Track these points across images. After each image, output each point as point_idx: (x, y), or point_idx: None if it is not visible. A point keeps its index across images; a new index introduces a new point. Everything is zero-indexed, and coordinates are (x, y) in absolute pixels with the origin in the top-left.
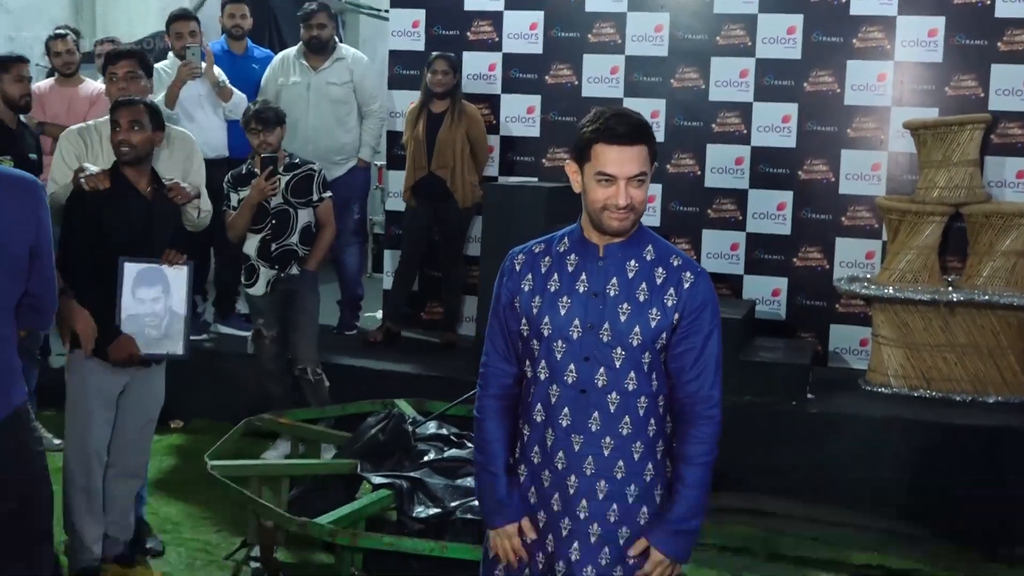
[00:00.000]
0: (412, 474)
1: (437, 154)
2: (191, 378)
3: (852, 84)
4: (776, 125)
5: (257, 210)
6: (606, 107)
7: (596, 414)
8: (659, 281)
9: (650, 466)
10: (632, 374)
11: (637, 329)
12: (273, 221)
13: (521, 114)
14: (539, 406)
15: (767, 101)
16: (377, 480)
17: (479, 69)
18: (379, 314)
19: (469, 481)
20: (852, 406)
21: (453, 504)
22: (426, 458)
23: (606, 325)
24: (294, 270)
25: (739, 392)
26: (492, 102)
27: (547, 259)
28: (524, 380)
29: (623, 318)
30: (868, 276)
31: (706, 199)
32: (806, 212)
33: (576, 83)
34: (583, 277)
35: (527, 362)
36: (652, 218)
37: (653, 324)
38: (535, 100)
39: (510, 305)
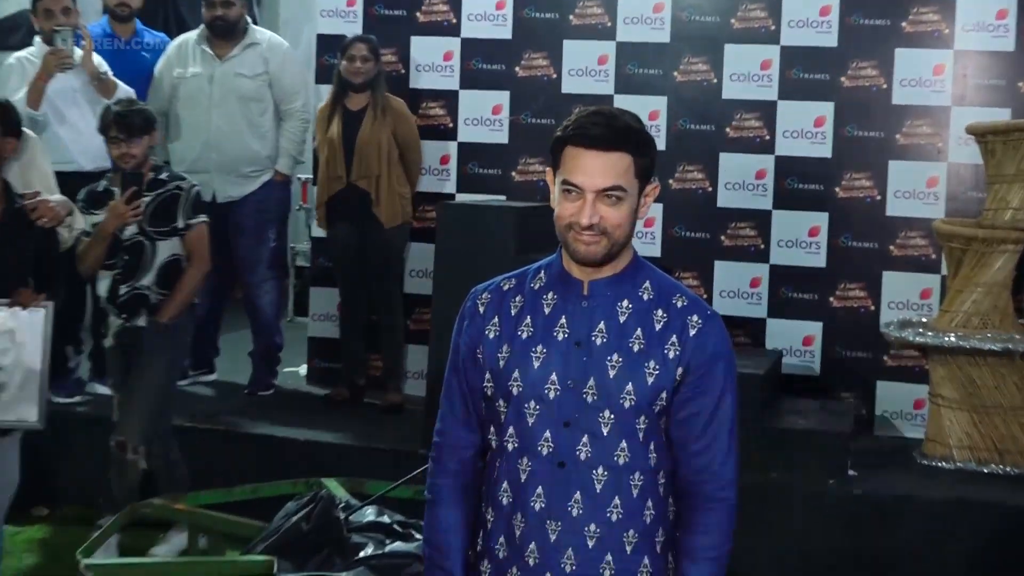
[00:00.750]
0: (344, 574)
1: (358, 161)
2: (59, 453)
3: (901, 78)
4: (807, 130)
5: (111, 241)
6: (599, 107)
7: (578, 495)
8: (659, 327)
9: (646, 561)
10: (624, 444)
11: (630, 387)
12: (125, 257)
13: (485, 115)
14: (506, 484)
15: (795, 99)
16: None
17: (431, 58)
18: (303, 369)
19: None
20: (905, 485)
21: None
22: (362, 553)
23: (591, 382)
24: (141, 320)
25: (761, 468)
26: (447, 100)
27: (518, 298)
28: (488, 452)
29: (612, 373)
30: (924, 320)
31: (719, 223)
32: (845, 239)
33: (554, 76)
34: (563, 321)
35: (492, 429)
36: (650, 246)
37: (650, 381)
38: (502, 97)
39: (471, 357)
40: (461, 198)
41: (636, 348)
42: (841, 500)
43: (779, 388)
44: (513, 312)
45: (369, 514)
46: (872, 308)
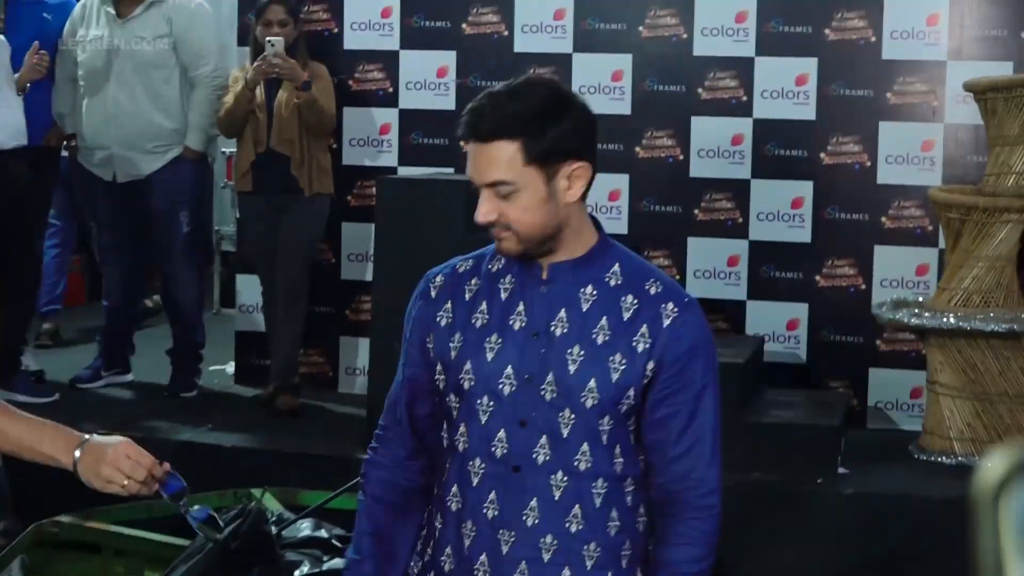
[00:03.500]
0: None
1: (277, 126)
2: None
3: (892, 30)
4: (788, 89)
5: None
6: (514, 80)
7: (534, 502)
8: (627, 315)
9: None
10: (585, 447)
11: (592, 384)
12: None
13: (429, 78)
14: (456, 488)
15: (774, 55)
16: None
17: (368, 16)
18: (230, 367)
19: None
20: (901, 483)
21: None
22: (297, 573)
23: (550, 377)
24: None
25: (743, 468)
26: (387, 62)
27: (474, 281)
28: (439, 453)
29: (572, 368)
30: (920, 299)
31: (692, 194)
32: (832, 211)
33: (506, 33)
34: (520, 308)
35: (444, 426)
36: (616, 222)
37: (615, 377)
38: (448, 58)
39: (420, 347)
40: (403, 172)
41: (600, 340)
42: (831, 500)
43: (761, 378)
44: (467, 297)
45: (304, 528)
46: (863, 287)
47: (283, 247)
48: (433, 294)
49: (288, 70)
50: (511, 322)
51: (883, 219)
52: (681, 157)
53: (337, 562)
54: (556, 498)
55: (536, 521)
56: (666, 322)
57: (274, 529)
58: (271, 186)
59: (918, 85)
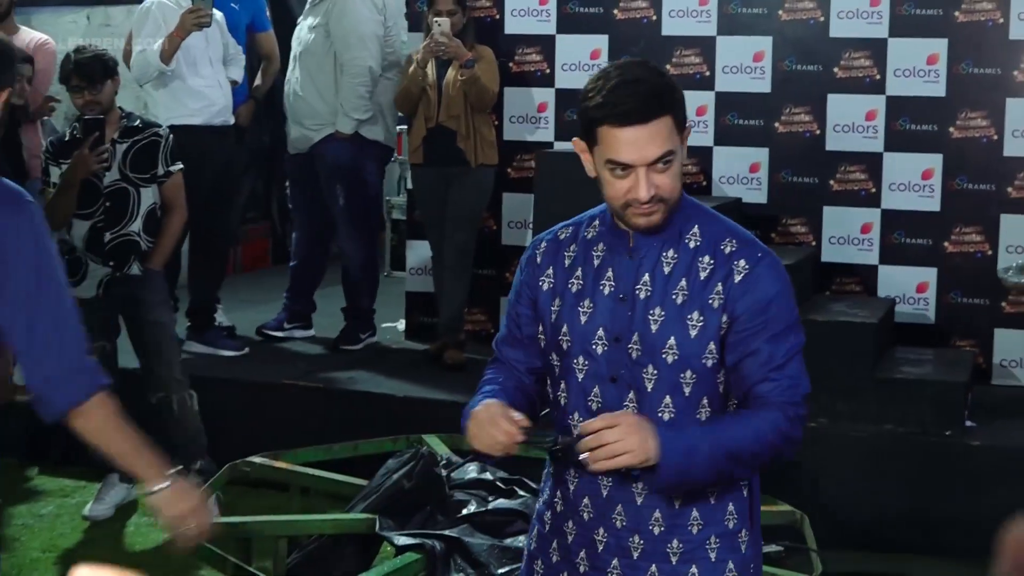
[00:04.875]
0: (447, 532)
1: (445, 104)
2: (146, 410)
3: (1020, 12)
4: (919, 68)
5: (85, 189)
6: (612, 64)
7: None
8: (703, 275)
9: (695, 513)
10: (668, 400)
11: (672, 341)
12: (107, 204)
13: (583, 60)
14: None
15: (906, 36)
16: (402, 541)
17: (526, 3)
18: (401, 324)
19: (521, 540)
20: None
21: (501, 571)
22: (465, 511)
23: (635, 337)
24: (135, 269)
25: (876, 420)
26: (544, 46)
27: (572, 247)
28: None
29: (654, 327)
30: None
31: (828, 166)
32: (960, 181)
33: (654, 18)
34: (609, 274)
35: (548, 381)
36: (756, 192)
37: (694, 334)
38: (601, 41)
39: (529, 305)
40: (559, 146)
41: (679, 300)
42: (959, 452)
43: (893, 337)
44: (566, 263)
45: (471, 471)
46: (989, 252)
47: (451, 214)
48: (539, 259)
49: (453, 48)
50: (602, 287)
51: (1008, 189)
52: (818, 132)
53: (501, 502)
54: None
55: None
56: (737, 278)
57: (444, 471)
58: (441, 158)
59: None
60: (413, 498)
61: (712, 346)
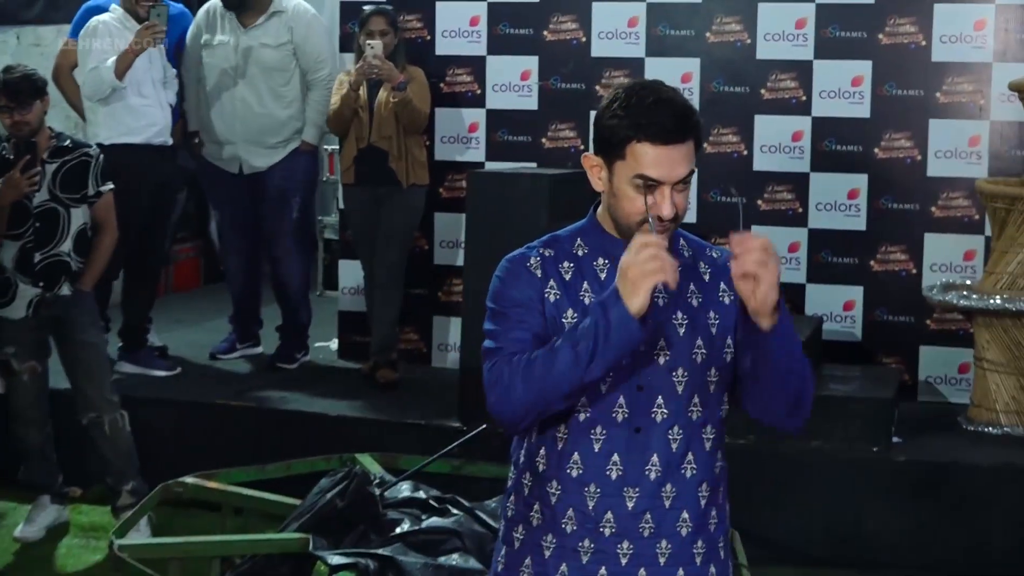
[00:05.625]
0: (381, 551)
1: (377, 124)
2: (78, 430)
3: (942, 34)
4: (844, 89)
5: (15, 210)
6: (635, 82)
7: (655, 457)
8: (707, 278)
9: (713, 513)
10: (696, 399)
11: (700, 342)
12: (37, 224)
13: (513, 80)
14: (576, 456)
15: (831, 58)
16: (335, 560)
17: (457, 24)
18: (334, 344)
19: (454, 559)
20: (950, 452)
21: None
22: (398, 530)
23: (661, 343)
24: (65, 289)
25: (804, 437)
26: (475, 66)
27: (567, 264)
28: (545, 432)
29: (681, 331)
30: (968, 282)
31: (755, 186)
32: (885, 201)
33: (584, 39)
34: None
35: None
36: (687, 212)
37: (715, 331)
38: (531, 62)
39: (534, 307)
40: (490, 166)
41: (695, 302)
42: (886, 468)
43: (820, 355)
44: (567, 278)
45: (404, 490)
46: (914, 271)
47: (382, 234)
48: (538, 272)
49: (386, 71)
50: None
51: (933, 209)
52: (745, 152)
53: (435, 521)
54: (674, 450)
55: (658, 474)
56: None
57: (377, 491)
58: (372, 178)
59: (965, 85)
60: (346, 517)
61: (729, 340)
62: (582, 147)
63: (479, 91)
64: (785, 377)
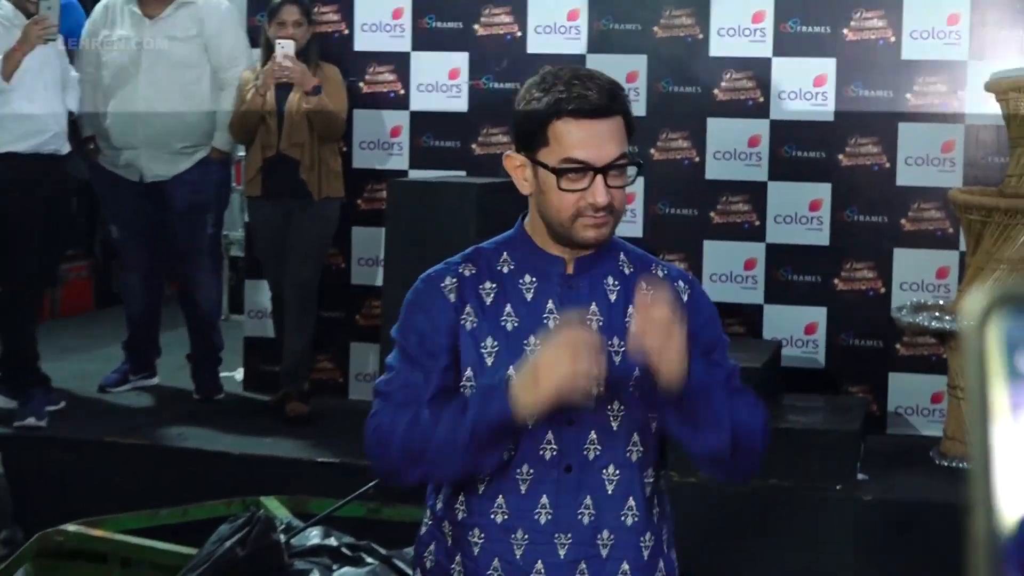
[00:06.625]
0: None
1: (287, 130)
2: None
3: (912, 30)
4: (805, 90)
5: None
6: (554, 68)
7: (588, 500)
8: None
9: (661, 565)
10: (636, 438)
11: (637, 372)
12: None
13: (441, 80)
14: (500, 500)
15: (792, 56)
16: None
17: (378, 17)
18: (239, 373)
19: None
20: (922, 489)
21: None
22: None
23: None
24: None
25: (760, 474)
26: (398, 64)
27: (488, 284)
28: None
29: (616, 359)
30: (941, 303)
31: (708, 197)
32: (850, 213)
33: (519, 34)
34: (550, 306)
35: None
36: (631, 225)
37: None
38: (461, 60)
39: (444, 348)
40: (414, 175)
41: (633, 327)
42: (850, 507)
43: (779, 383)
44: (488, 301)
45: (314, 536)
46: (882, 291)
47: (293, 252)
48: (452, 297)
49: (298, 74)
50: (545, 321)
51: (902, 221)
52: (697, 159)
53: (347, 571)
54: (609, 493)
55: (592, 519)
56: (684, 297)
57: (283, 537)
58: (281, 190)
59: (938, 86)
60: (248, 568)
61: None
62: None
63: (402, 91)
64: (706, 434)
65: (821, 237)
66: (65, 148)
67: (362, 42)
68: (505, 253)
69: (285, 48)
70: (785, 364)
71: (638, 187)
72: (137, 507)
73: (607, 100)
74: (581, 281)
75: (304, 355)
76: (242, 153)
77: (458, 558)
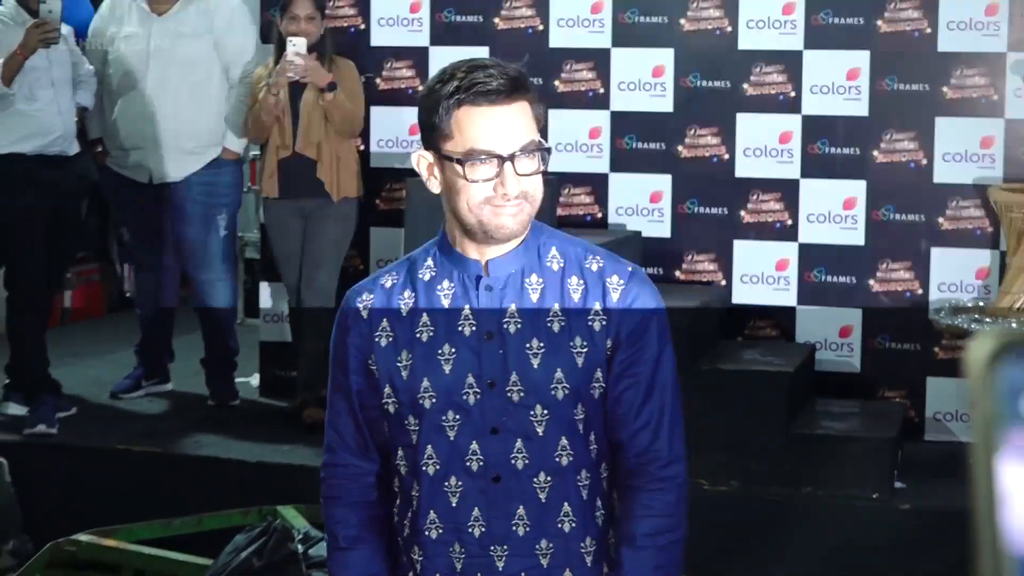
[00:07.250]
0: None
1: (303, 128)
2: None
3: (948, 21)
4: (838, 84)
5: None
6: (454, 63)
7: (522, 509)
8: (576, 297)
9: (605, 569)
10: (564, 442)
11: (559, 374)
12: None
13: None
14: (433, 515)
15: (824, 48)
16: None
17: (396, 11)
18: (254, 379)
19: None
20: (961, 498)
21: None
22: None
23: (513, 377)
24: None
25: (793, 482)
26: (416, 59)
27: (407, 294)
28: (396, 482)
29: (536, 363)
30: (980, 304)
31: (738, 195)
32: (887, 212)
33: (541, 28)
34: (467, 312)
35: (400, 453)
36: (658, 225)
37: (581, 362)
38: (481, 54)
39: (362, 371)
40: None
41: (556, 327)
42: (887, 516)
43: (812, 388)
44: (404, 312)
45: None
46: (919, 292)
47: (310, 253)
48: (365, 314)
49: (311, 71)
50: (460, 328)
51: (940, 220)
52: (726, 156)
53: None
54: (543, 500)
55: (528, 529)
56: (615, 296)
57: (300, 548)
58: (297, 190)
59: (977, 78)
60: None
61: (599, 373)
62: None
63: (420, 88)
64: None
65: (856, 236)
66: (73, 149)
67: (379, 37)
68: (429, 260)
69: (296, 46)
70: (819, 368)
71: (665, 185)
72: (150, 516)
73: (508, 85)
74: (499, 283)
75: (322, 360)
76: (254, 152)
77: (410, 574)
